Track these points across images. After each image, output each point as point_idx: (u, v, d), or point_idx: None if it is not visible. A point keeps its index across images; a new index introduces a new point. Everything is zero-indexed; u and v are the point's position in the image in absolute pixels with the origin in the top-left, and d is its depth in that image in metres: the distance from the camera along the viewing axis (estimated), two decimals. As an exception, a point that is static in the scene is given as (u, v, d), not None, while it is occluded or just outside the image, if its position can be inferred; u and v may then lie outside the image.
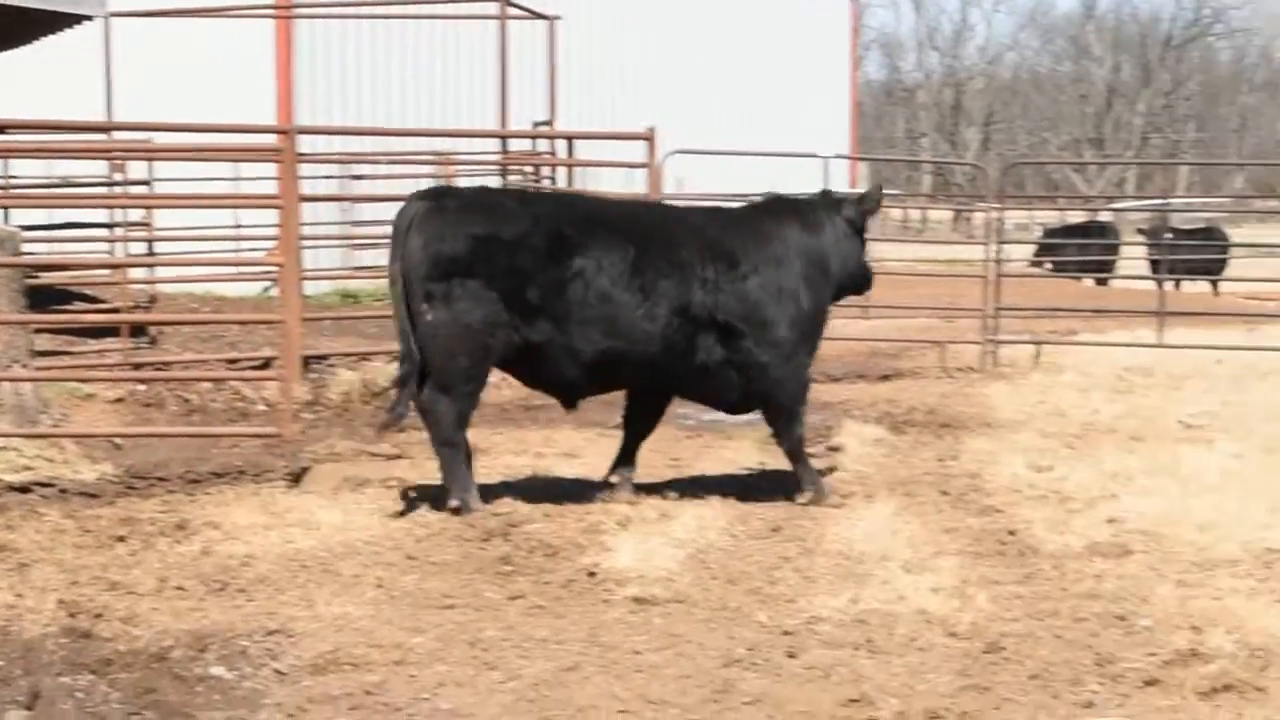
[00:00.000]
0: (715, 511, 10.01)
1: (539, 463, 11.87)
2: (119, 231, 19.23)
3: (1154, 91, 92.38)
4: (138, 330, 17.10)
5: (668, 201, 15.38)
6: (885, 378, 17.78)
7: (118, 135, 18.72)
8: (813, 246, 10.64)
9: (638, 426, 10.77)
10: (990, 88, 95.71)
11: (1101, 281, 33.54)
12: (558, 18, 23.88)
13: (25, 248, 13.76)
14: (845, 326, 18.34)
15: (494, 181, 21.85)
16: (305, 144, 19.00)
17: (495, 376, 10.70)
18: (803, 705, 6.59)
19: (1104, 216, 43.15)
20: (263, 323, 15.95)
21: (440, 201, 10.16)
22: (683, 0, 35.31)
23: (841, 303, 11.56)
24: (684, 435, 13.24)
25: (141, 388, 14.69)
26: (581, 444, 12.47)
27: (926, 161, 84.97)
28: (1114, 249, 34.05)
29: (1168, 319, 18.81)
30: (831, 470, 11.48)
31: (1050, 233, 38.39)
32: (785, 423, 10.59)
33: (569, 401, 10.59)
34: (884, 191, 11.93)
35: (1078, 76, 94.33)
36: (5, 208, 19.12)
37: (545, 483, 11.00)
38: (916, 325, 21.73)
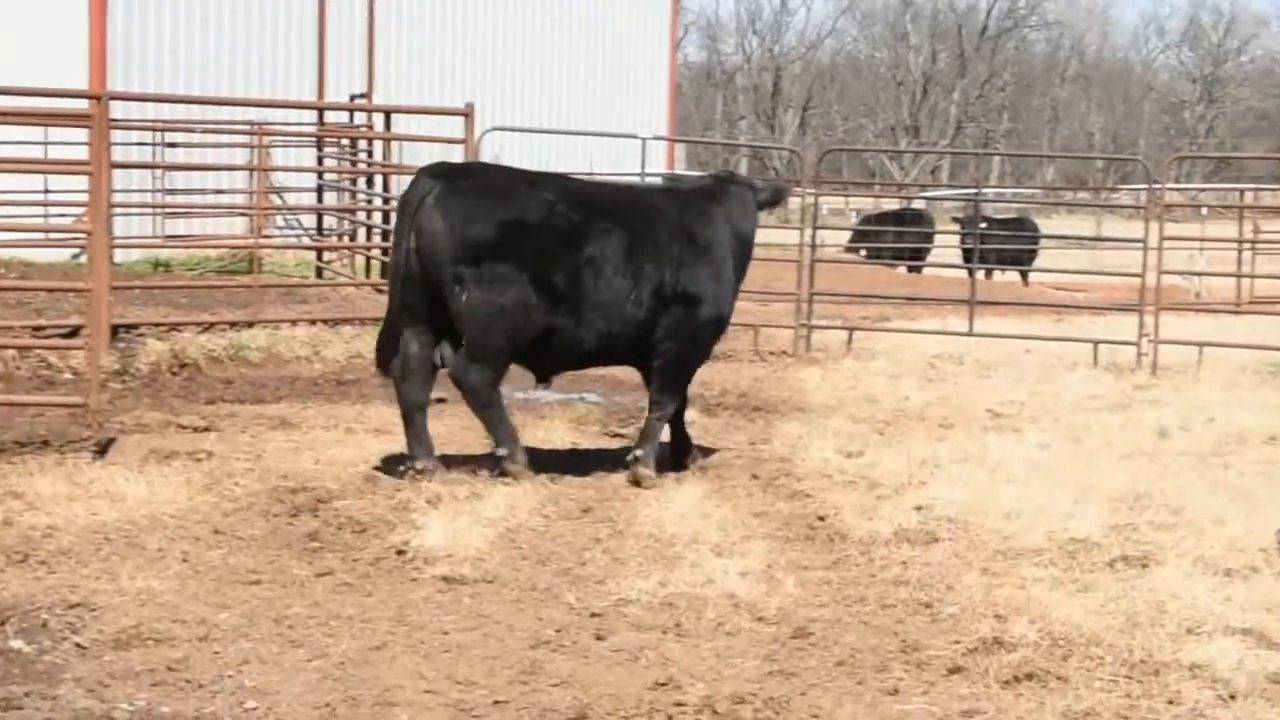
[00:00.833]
0: (526, 491, 9.99)
1: (350, 438, 11.76)
2: (-76, 194, 18.78)
3: (970, 81, 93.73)
4: (-59, 295, 16.69)
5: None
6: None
7: (-76, 96, 18.28)
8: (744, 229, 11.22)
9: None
10: (809, 72, 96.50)
11: (915, 269, 33.96)
12: (378, -10, 23.75)
13: None
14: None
15: (310, 154, 21.67)
16: (119, 110, 18.75)
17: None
18: (610, 688, 6.59)
19: (918, 204, 43.66)
20: (70, 290, 15.66)
21: (455, 182, 10.26)
22: (505, -23, 35.19)
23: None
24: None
25: (-57, 354, 14.35)
26: (394, 420, 12.37)
27: (744, 145, 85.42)
28: (928, 237, 34.48)
29: (978, 308, 19.05)
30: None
31: (865, 219, 38.78)
32: (674, 391, 10.91)
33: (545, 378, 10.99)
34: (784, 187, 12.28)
35: (895, 64, 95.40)
36: None
37: (355, 458, 10.91)
38: (730, 308, 21.77)
